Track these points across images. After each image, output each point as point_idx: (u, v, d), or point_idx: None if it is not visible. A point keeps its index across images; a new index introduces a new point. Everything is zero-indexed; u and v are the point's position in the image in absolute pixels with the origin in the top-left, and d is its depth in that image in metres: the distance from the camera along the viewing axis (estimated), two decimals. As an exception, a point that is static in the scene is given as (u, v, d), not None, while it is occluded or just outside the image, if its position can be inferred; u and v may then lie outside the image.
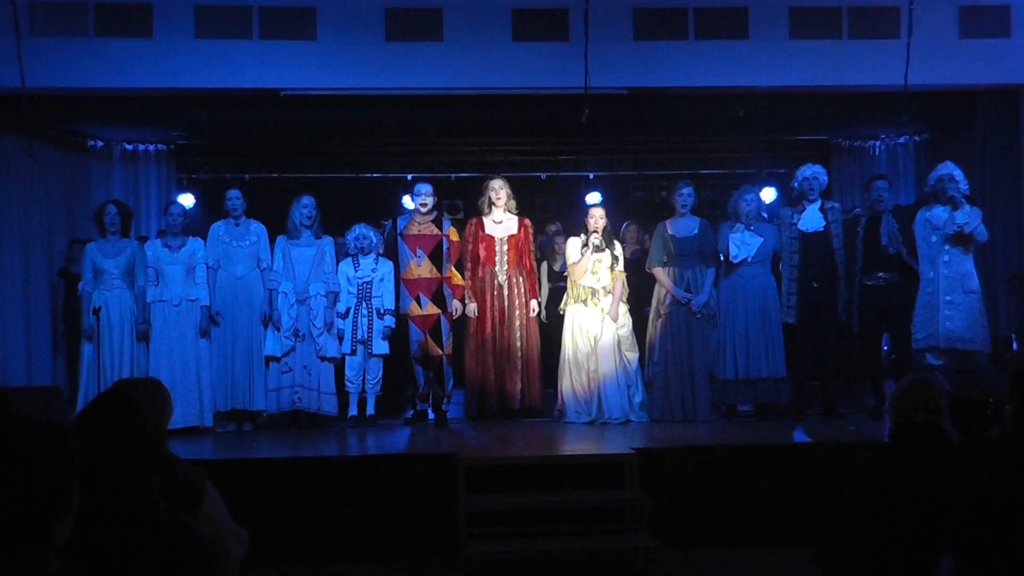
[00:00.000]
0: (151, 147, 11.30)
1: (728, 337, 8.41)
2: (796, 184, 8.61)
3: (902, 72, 8.13)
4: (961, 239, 7.95)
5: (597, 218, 8.49)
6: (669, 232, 8.53)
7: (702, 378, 8.41)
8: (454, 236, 8.68)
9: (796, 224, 8.45)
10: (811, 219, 8.45)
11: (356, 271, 8.50)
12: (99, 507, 2.64)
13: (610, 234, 8.58)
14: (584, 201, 12.07)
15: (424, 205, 8.57)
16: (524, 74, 9.10)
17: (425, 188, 8.66)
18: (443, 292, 8.57)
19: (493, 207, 8.68)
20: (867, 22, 9.33)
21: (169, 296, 8.21)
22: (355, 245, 8.53)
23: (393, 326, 8.51)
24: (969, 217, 7.96)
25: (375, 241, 8.61)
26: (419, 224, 8.62)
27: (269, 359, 8.35)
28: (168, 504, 2.91)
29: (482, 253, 8.69)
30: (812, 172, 8.50)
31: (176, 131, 10.92)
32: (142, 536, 2.63)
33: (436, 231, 8.61)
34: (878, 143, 11.74)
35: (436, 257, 8.57)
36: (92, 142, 10.96)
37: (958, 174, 8.25)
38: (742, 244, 8.29)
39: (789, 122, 10.83)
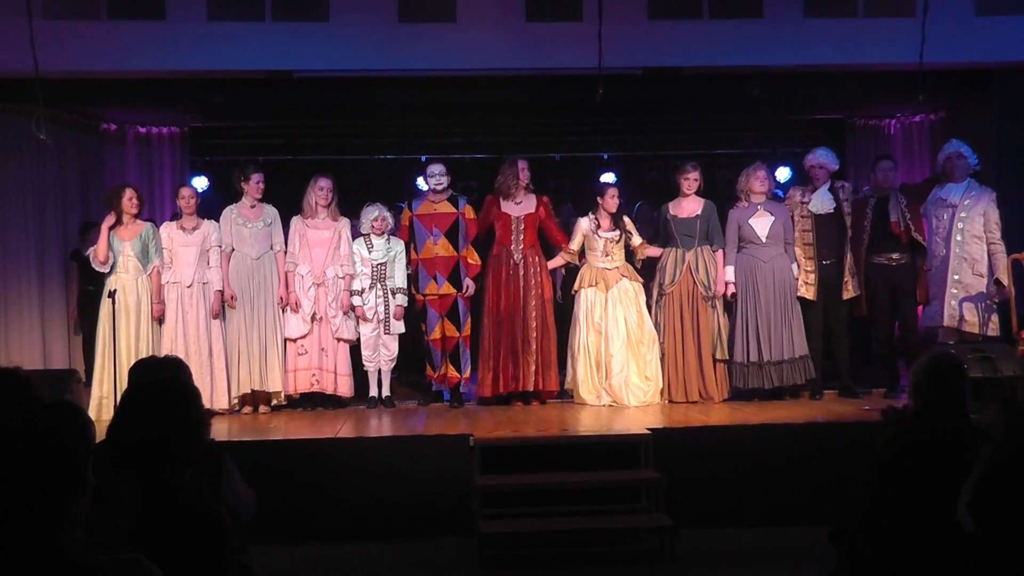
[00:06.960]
0: (164, 130, 11.28)
1: (747, 319, 8.41)
2: (806, 168, 8.69)
3: (918, 50, 8.05)
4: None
5: (609, 198, 8.58)
6: (671, 213, 8.61)
7: (710, 358, 8.44)
8: (470, 214, 8.64)
9: (807, 204, 8.52)
10: (821, 200, 8.50)
11: (370, 252, 8.51)
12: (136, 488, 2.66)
13: (616, 216, 8.60)
14: (598, 181, 12.02)
15: (439, 184, 8.56)
16: (538, 54, 9.04)
17: (438, 168, 8.63)
18: (459, 271, 8.56)
19: (516, 186, 8.64)
20: (882, 0, 9.24)
21: (182, 278, 8.25)
22: (373, 226, 8.54)
23: (405, 304, 8.54)
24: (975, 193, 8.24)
25: (392, 223, 8.63)
26: (434, 204, 8.61)
27: (288, 340, 8.39)
28: (194, 475, 2.95)
29: (498, 231, 8.67)
30: (818, 161, 8.55)
31: (189, 114, 10.90)
32: (171, 520, 2.67)
33: (452, 209, 8.58)
34: (893, 122, 11.65)
35: (452, 235, 8.55)
36: (105, 125, 10.95)
37: (966, 150, 8.32)
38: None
39: (804, 101, 10.74)
